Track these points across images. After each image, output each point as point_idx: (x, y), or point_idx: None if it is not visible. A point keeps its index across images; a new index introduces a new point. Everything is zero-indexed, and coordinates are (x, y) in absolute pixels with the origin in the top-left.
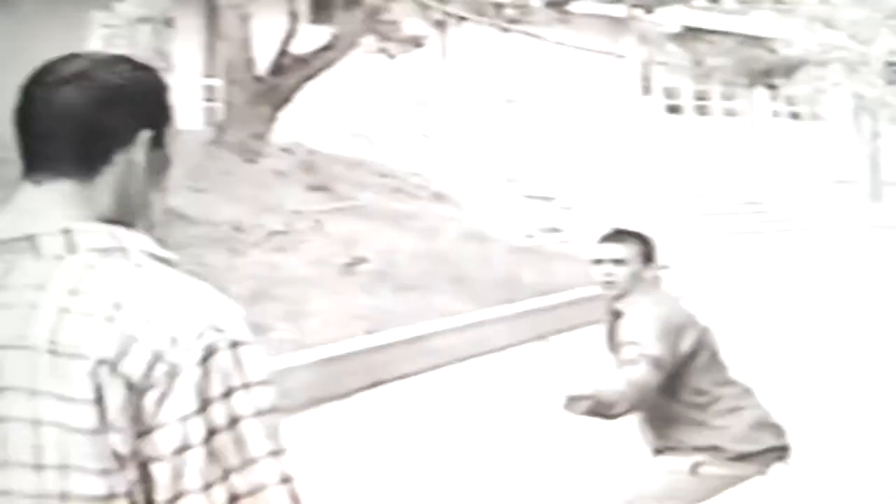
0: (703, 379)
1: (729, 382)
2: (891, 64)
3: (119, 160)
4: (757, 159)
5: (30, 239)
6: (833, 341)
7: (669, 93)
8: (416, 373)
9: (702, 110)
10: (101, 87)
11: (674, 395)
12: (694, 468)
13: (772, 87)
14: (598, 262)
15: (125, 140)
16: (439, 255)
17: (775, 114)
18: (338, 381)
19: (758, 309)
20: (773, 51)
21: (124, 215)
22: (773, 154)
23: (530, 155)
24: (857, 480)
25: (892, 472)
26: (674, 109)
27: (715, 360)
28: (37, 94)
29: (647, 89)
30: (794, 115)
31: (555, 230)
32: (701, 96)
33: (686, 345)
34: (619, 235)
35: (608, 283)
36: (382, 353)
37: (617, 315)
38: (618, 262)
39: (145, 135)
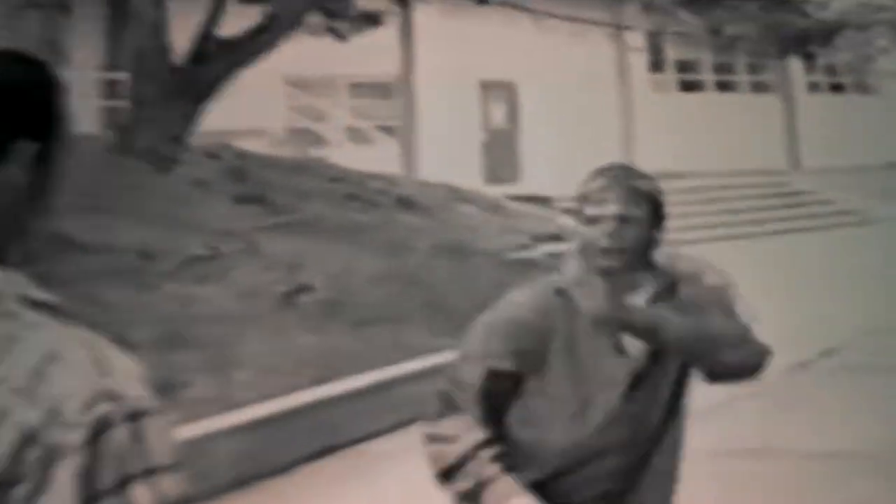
0: None
1: None
2: None
3: None
4: (800, 141)
5: None
6: None
7: (685, 66)
8: (379, 433)
9: (725, 85)
10: None
11: None
12: None
13: (808, 56)
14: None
15: None
16: (408, 277)
17: (813, 86)
18: (276, 450)
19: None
20: (805, 14)
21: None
22: (816, 134)
23: (520, 149)
24: None
25: None
26: (691, 86)
27: None
28: None
29: (657, 64)
30: (836, 87)
31: (554, 238)
32: (723, 69)
33: None
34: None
35: (609, 250)
36: (335, 408)
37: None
38: (624, 219)
39: (27, 147)
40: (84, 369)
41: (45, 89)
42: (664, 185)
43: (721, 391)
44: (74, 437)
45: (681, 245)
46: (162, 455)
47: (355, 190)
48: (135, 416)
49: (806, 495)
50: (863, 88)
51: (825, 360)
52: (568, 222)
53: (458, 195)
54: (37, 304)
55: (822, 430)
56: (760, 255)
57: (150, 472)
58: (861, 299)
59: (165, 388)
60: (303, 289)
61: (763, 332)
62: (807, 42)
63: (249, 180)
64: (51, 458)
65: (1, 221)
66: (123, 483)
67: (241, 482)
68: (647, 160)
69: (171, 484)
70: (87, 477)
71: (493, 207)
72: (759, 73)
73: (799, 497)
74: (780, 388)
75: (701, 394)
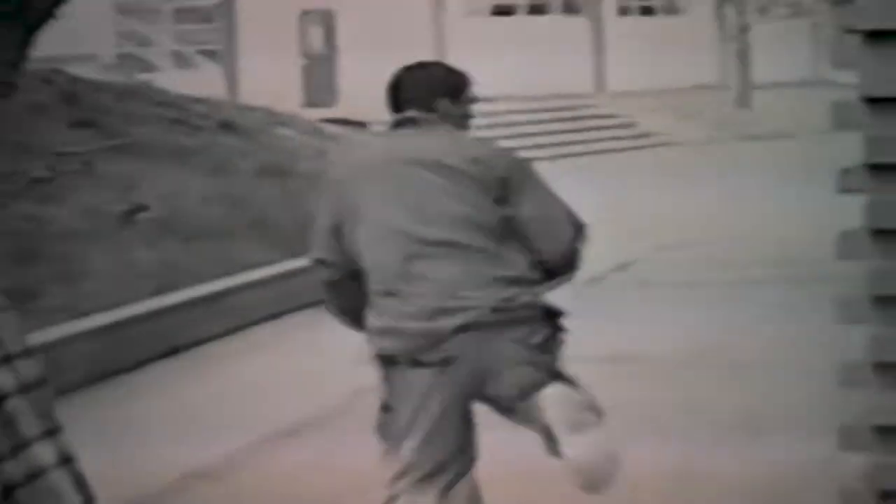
0: None
1: None
2: None
3: None
4: (607, 64)
5: None
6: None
7: None
8: (215, 336)
9: (537, 9)
10: None
11: None
12: None
13: None
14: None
15: None
16: (234, 197)
17: (622, 10)
18: (123, 350)
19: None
20: None
21: None
22: (625, 57)
23: (337, 74)
24: None
25: None
26: (503, 10)
27: None
28: None
29: None
30: (646, 11)
31: None
32: None
33: None
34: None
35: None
36: (174, 315)
37: None
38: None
39: None
40: None
41: None
42: (476, 108)
43: None
44: None
45: None
46: (15, 344)
47: (181, 114)
48: None
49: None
50: (672, 10)
51: (617, 274)
52: None
53: (278, 118)
54: None
55: (606, 337)
56: (569, 174)
57: (7, 359)
58: (657, 219)
59: (20, 298)
60: (139, 208)
61: None
62: None
63: (83, 105)
64: None
65: None
66: None
67: (92, 380)
68: None
69: (29, 367)
70: None
71: (312, 131)
72: None
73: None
74: (573, 301)
75: None
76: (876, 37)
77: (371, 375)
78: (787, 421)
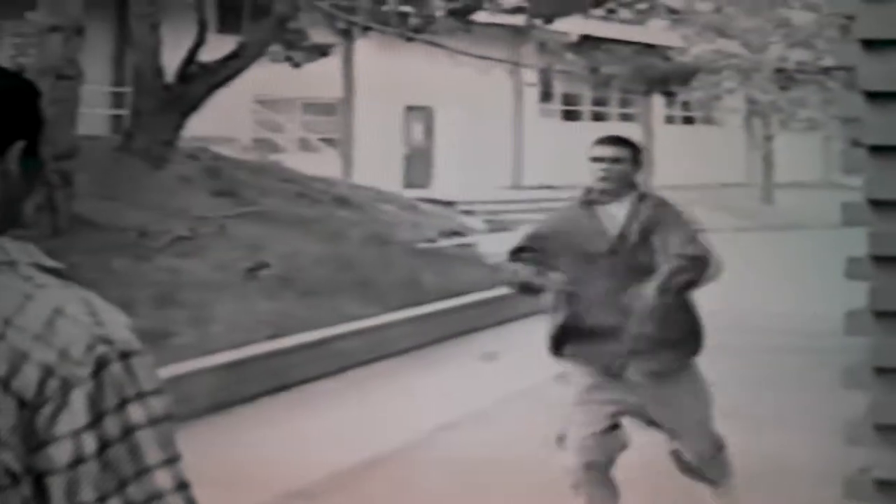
0: None
1: None
2: (781, 70)
3: None
4: (654, 163)
5: None
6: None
7: (568, 99)
8: (319, 376)
9: (599, 116)
10: None
11: None
12: None
13: (668, 93)
14: (597, 160)
15: None
16: (342, 260)
17: (669, 119)
18: (241, 385)
19: None
20: (668, 58)
21: (5, 224)
22: (668, 157)
23: (433, 161)
24: None
25: None
26: (572, 115)
27: None
28: None
29: (546, 96)
30: (688, 120)
31: (455, 234)
32: (599, 102)
33: None
34: (617, 139)
35: (604, 178)
36: (286, 357)
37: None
38: (616, 160)
39: (18, 144)
40: (83, 320)
41: (28, 98)
42: (544, 195)
43: None
44: (82, 371)
45: None
46: (149, 383)
47: (303, 189)
48: (125, 355)
49: None
50: (709, 121)
51: None
52: (466, 220)
53: (382, 196)
54: (45, 269)
55: None
56: None
57: (141, 396)
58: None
59: (158, 337)
60: (262, 265)
61: None
62: (668, 82)
63: (222, 178)
64: (66, 386)
65: (7, 202)
66: (122, 404)
67: (215, 409)
68: (533, 175)
69: (158, 403)
70: (94, 400)
71: (409, 207)
72: (627, 106)
73: None
74: None
75: None
76: (878, 150)
77: (446, 415)
78: (800, 471)
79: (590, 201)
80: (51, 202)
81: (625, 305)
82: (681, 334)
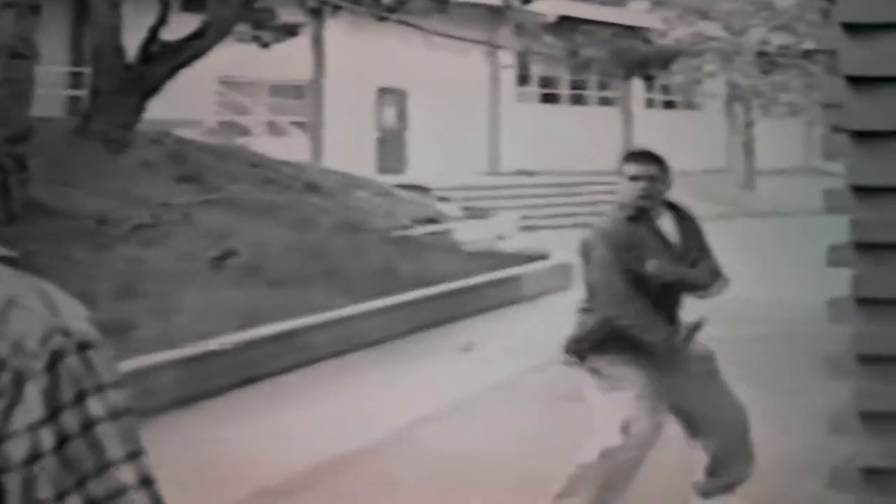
0: None
1: None
2: (762, 54)
3: None
4: (630, 146)
5: None
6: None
7: (546, 82)
8: (289, 369)
9: (577, 99)
10: None
11: None
12: None
13: (648, 77)
14: (635, 178)
15: None
16: (313, 248)
17: (649, 102)
18: (209, 378)
19: None
20: (648, 41)
21: None
22: (648, 142)
23: (407, 146)
24: None
25: None
26: (550, 98)
27: None
28: None
29: (524, 79)
30: (669, 104)
31: (431, 221)
32: (578, 85)
33: None
34: (651, 156)
35: (645, 197)
36: (254, 349)
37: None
38: (653, 178)
39: None
40: (38, 311)
41: None
42: (522, 181)
43: None
44: (37, 364)
45: (540, 228)
46: (108, 375)
47: (271, 174)
48: (83, 347)
49: None
50: (690, 106)
51: None
52: (442, 207)
53: (355, 182)
54: None
55: None
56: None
57: (100, 388)
58: None
59: (120, 329)
60: (229, 254)
61: None
62: (648, 65)
63: (187, 163)
64: (20, 380)
65: None
66: (80, 397)
67: (180, 403)
68: (509, 160)
69: (118, 397)
70: (50, 394)
71: (383, 193)
72: (605, 89)
73: None
74: None
75: None
76: (860, 135)
77: (423, 409)
78: (784, 461)
79: (638, 217)
80: (4, 187)
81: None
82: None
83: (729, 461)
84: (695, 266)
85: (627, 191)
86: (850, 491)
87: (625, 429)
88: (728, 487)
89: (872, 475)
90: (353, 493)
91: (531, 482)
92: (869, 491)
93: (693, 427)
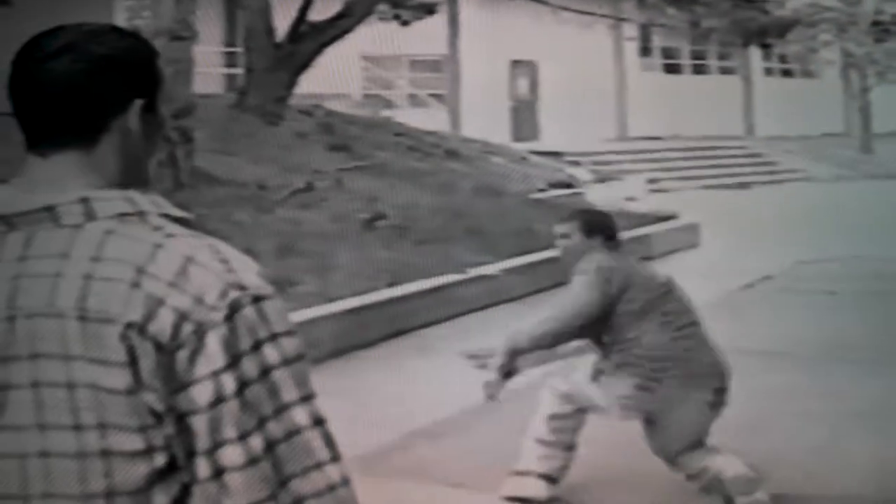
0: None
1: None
2: (877, 23)
3: (115, 127)
4: (755, 114)
5: (49, 210)
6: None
7: (668, 53)
8: (435, 322)
9: (699, 69)
10: (90, 58)
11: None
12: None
13: (765, 46)
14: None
15: (118, 108)
16: (455, 210)
17: (768, 71)
18: (361, 331)
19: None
20: (766, 12)
21: (130, 179)
22: (768, 109)
23: (539, 114)
24: None
25: None
26: (672, 69)
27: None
28: (28, 68)
29: (646, 50)
30: (787, 73)
31: (563, 184)
32: (698, 55)
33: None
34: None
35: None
36: (403, 303)
37: None
38: (564, 236)
39: (137, 102)
40: (216, 268)
41: (146, 58)
42: (648, 146)
43: None
44: (217, 315)
45: (667, 191)
46: (281, 325)
47: (414, 143)
48: (257, 300)
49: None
50: (808, 74)
51: (764, 283)
52: (574, 171)
53: (491, 149)
54: (174, 219)
55: (756, 333)
56: (725, 201)
57: (274, 337)
58: (797, 238)
59: (282, 285)
60: (378, 216)
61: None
62: (765, 35)
63: (336, 133)
64: (201, 330)
65: (130, 158)
66: (256, 346)
67: (338, 353)
68: (636, 126)
69: (290, 344)
70: (230, 343)
71: (518, 159)
72: (726, 59)
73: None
74: (733, 301)
75: None
76: None
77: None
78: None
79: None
80: (172, 158)
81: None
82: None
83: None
84: None
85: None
86: None
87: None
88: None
89: None
90: (496, 435)
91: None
92: None
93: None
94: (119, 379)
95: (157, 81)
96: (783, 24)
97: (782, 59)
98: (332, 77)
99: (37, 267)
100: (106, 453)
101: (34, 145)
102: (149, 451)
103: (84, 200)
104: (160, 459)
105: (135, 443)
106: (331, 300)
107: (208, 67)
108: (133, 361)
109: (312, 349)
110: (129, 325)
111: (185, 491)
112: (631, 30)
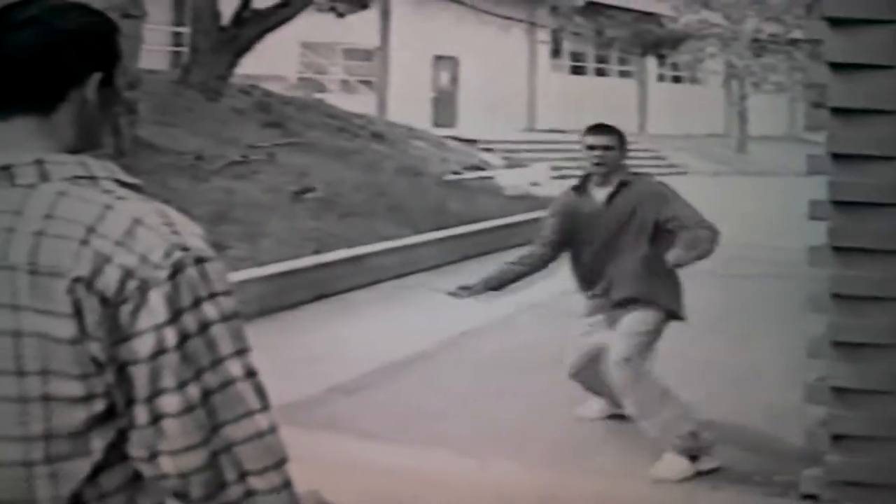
0: None
1: None
2: (756, 40)
3: (74, 97)
4: (647, 114)
5: (5, 169)
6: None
7: (575, 56)
8: (356, 287)
9: (601, 72)
10: (53, 32)
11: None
12: None
13: (660, 55)
14: (591, 147)
15: (77, 79)
16: (378, 187)
17: (661, 77)
18: (287, 293)
19: None
20: (661, 25)
21: (84, 145)
22: (659, 110)
23: (458, 104)
24: None
25: None
26: (578, 70)
27: None
28: None
29: (556, 53)
30: (676, 79)
31: (477, 168)
32: (601, 60)
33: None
34: (606, 128)
35: (599, 164)
36: (327, 270)
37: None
38: (607, 148)
39: (96, 76)
40: (162, 230)
41: (106, 34)
42: (553, 137)
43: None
44: (161, 273)
45: (569, 178)
46: (220, 285)
47: (344, 124)
48: (199, 261)
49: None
50: (694, 81)
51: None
52: (486, 157)
53: (414, 133)
54: (124, 185)
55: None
56: None
57: (213, 296)
58: None
59: (215, 248)
60: (307, 189)
61: None
62: (660, 45)
63: (272, 112)
64: (145, 287)
65: (86, 126)
66: (197, 303)
67: (264, 313)
68: (544, 120)
69: (228, 303)
70: (172, 299)
71: (437, 143)
72: (625, 64)
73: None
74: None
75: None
76: (839, 111)
77: (470, 322)
78: (769, 378)
79: (582, 186)
80: (115, 127)
81: (610, 270)
82: (665, 295)
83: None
84: (626, 227)
85: (586, 158)
86: (821, 405)
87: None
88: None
89: (840, 393)
90: (409, 391)
91: (561, 385)
92: (837, 406)
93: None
94: (64, 329)
95: (116, 56)
96: (676, 36)
97: (673, 66)
98: (271, 60)
99: None
100: (47, 398)
101: None
102: (89, 398)
103: (39, 162)
104: (99, 405)
105: (75, 389)
106: (261, 265)
107: (156, 45)
108: (78, 313)
109: (242, 308)
110: (77, 280)
111: (121, 435)
112: (544, 34)
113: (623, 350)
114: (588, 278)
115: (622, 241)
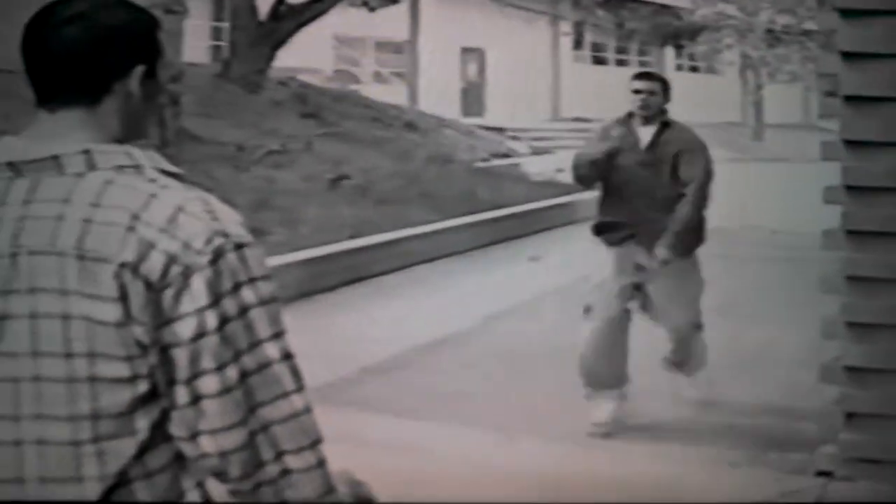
0: None
1: None
2: (770, 31)
3: (118, 89)
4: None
5: (54, 159)
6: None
7: (597, 48)
8: (390, 271)
9: (621, 62)
10: (99, 27)
11: None
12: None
13: (678, 46)
14: (637, 91)
15: (122, 73)
16: (410, 175)
17: (679, 67)
18: (324, 277)
19: None
20: (680, 17)
21: (129, 135)
22: (677, 99)
23: (485, 95)
24: None
25: None
26: (599, 61)
27: None
28: (42, 33)
29: (578, 44)
30: (694, 69)
31: (505, 156)
32: (622, 51)
33: None
34: (650, 75)
35: (643, 107)
36: (362, 254)
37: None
38: (651, 93)
39: (139, 69)
40: (203, 217)
41: (149, 29)
42: (577, 126)
43: None
44: (202, 259)
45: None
46: (259, 270)
47: (377, 115)
48: (239, 247)
49: None
50: (712, 71)
51: None
52: (513, 145)
53: (444, 123)
54: (168, 174)
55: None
56: None
57: (252, 280)
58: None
59: (255, 235)
60: (343, 177)
61: None
62: (679, 37)
63: (309, 103)
64: (188, 272)
65: (130, 117)
66: (236, 287)
67: (303, 295)
68: (568, 108)
69: (266, 287)
70: (213, 284)
71: (466, 132)
72: (644, 55)
73: None
74: None
75: None
76: (851, 99)
77: (497, 306)
78: (784, 358)
79: (625, 122)
80: (160, 118)
81: (649, 206)
82: (691, 232)
83: (677, 352)
84: (663, 168)
85: (631, 101)
86: (836, 384)
87: (587, 311)
88: (679, 367)
89: (854, 373)
90: (440, 371)
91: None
92: (850, 385)
93: (649, 309)
94: (110, 313)
95: (158, 50)
96: (693, 28)
97: (691, 57)
98: (307, 53)
99: (40, 210)
100: (93, 379)
101: (43, 102)
102: (133, 379)
103: (86, 152)
104: (143, 386)
105: (121, 370)
106: (299, 249)
107: (197, 40)
108: (124, 297)
109: (280, 292)
110: (123, 265)
111: (165, 416)
112: (566, 26)
113: (693, 316)
114: (620, 214)
115: (660, 181)
